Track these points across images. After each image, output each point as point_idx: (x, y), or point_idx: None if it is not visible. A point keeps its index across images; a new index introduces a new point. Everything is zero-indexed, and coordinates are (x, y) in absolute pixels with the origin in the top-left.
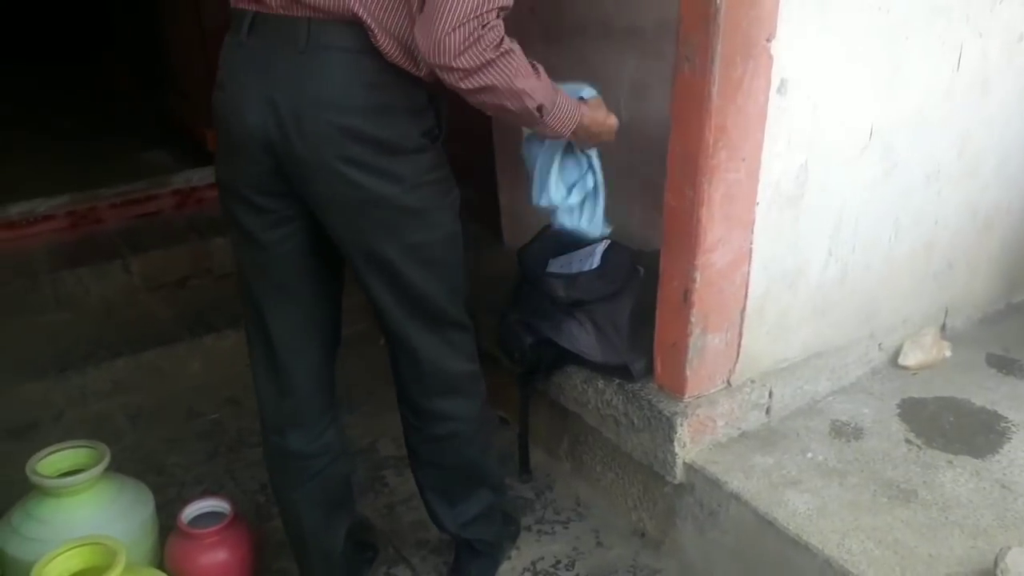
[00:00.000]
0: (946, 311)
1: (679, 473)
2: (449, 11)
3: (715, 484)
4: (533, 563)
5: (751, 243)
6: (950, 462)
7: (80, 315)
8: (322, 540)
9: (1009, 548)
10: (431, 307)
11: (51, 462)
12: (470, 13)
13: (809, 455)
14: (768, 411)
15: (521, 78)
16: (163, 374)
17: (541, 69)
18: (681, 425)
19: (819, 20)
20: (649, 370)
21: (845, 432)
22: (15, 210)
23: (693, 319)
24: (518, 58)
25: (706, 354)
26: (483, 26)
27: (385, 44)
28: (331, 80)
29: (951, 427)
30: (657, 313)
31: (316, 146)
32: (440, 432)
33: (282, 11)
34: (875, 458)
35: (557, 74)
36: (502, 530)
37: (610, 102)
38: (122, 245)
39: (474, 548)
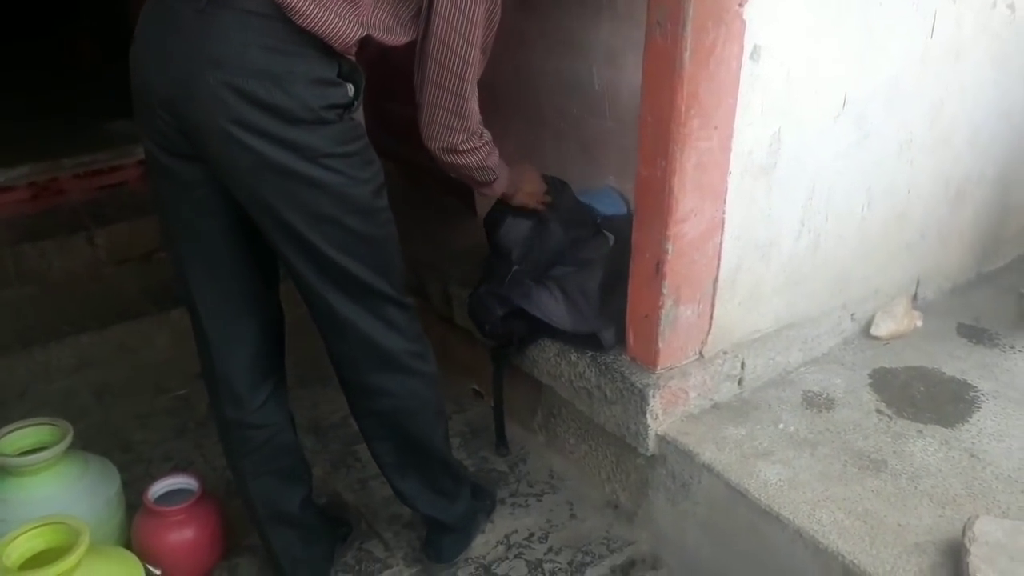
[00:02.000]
0: (918, 281)
1: (651, 445)
2: (443, 119)
3: (687, 456)
4: (507, 536)
5: (723, 213)
6: (920, 431)
7: (43, 290)
8: (275, 510)
9: (977, 517)
10: (357, 282)
11: (12, 440)
12: (462, 126)
13: (781, 426)
14: (740, 382)
15: (491, 158)
16: (129, 349)
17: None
18: (653, 397)
19: None
20: (620, 339)
21: (817, 403)
22: None
23: (665, 290)
24: (491, 144)
25: (678, 326)
26: (469, 129)
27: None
28: (226, 40)
29: (921, 397)
30: (629, 284)
31: (209, 107)
32: (378, 407)
33: None
34: (846, 428)
35: (530, 40)
36: (474, 505)
37: (583, 70)
38: (86, 217)
39: (442, 523)
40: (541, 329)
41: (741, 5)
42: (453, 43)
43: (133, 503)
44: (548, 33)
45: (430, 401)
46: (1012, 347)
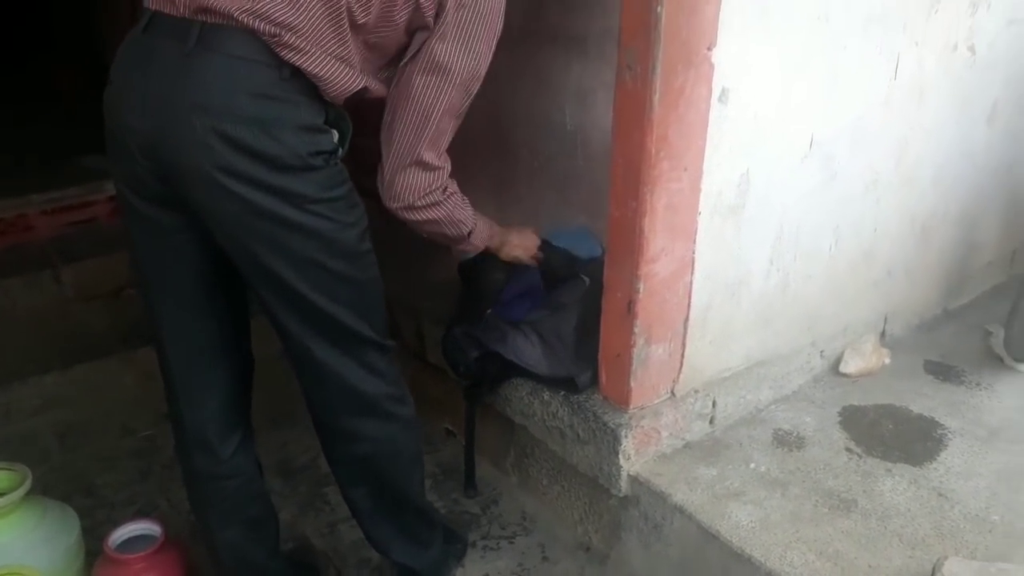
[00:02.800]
0: (885, 318)
1: (624, 486)
2: (404, 176)
3: (659, 497)
4: None
5: (693, 253)
6: (889, 470)
7: (8, 328)
8: (242, 559)
9: (946, 557)
10: (338, 326)
11: None
12: (426, 188)
13: (752, 465)
14: (712, 421)
15: (459, 210)
16: (95, 389)
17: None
18: (626, 437)
19: (760, 29)
20: (594, 381)
21: (787, 441)
22: None
23: (637, 329)
24: (457, 196)
25: (650, 365)
26: (434, 187)
27: (313, 57)
28: (214, 85)
29: (890, 435)
30: (601, 323)
31: (193, 152)
32: (354, 452)
33: (186, 13)
34: (816, 467)
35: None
36: (445, 550)
37: (555, 110)
38: (53, 254)
39: (413, 569)
40: (515, 370)
41: (710, 48)
42: (428, 102)
43: (94, 550)
44: (521, 73)
45: (408, 446)
46: (978, 384)
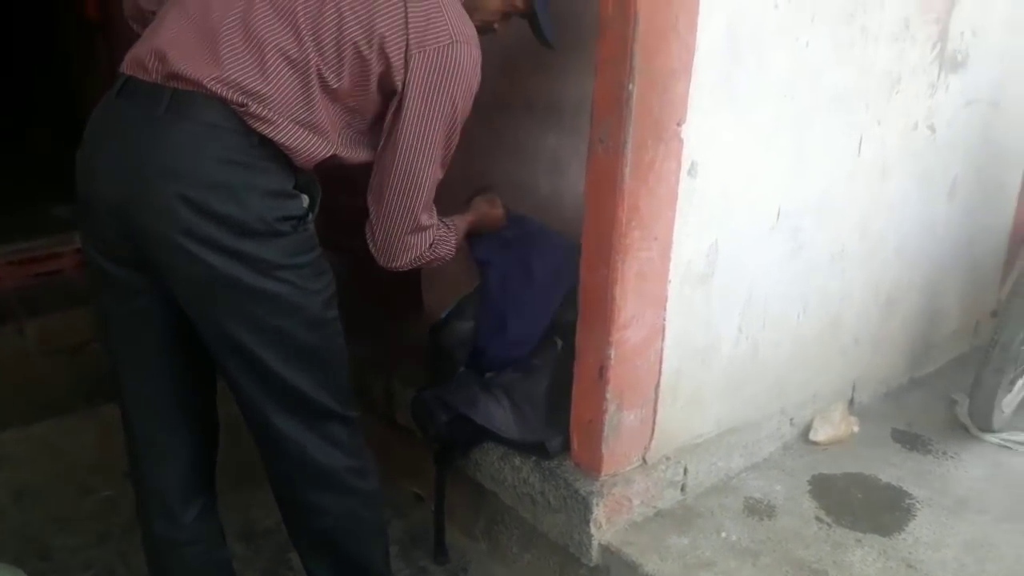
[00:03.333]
0: (853, 386)
1: (595, 555)
2: (396, 236)
3: (631, 567)
4: None
5: (664, 320)
6: (859, 541)
7: None
8: None
9: None
10: (299, 397)
11: None
12: (421, 250)
13: (723, 534)
14: (683, 489)
15: (444, 247)
16: (54, 447)
17: (449, 222)
18: (597, 505)
19: (728, 106)
20: (566, 446)
21: (758, 510)
22: None
23: (608, 396)
24: (441, 237)
25: (622, 431)
26: (425, 247)
27: (280, 127)
28: (183, 151)
29: (859, 504)
30: (573, 389)
31: (159, 217)
32: (314, 526)
33: (158, 79)
34: (787, 537)
35: (480, 145)
36: None
37: (529, 176)
38: (18, 306)
39: None
40: (486, 433)
41: (679, 124)
42: (414, 161)
43: None
44: (498, 140)
45: (370, 520)
46: (944, 453)
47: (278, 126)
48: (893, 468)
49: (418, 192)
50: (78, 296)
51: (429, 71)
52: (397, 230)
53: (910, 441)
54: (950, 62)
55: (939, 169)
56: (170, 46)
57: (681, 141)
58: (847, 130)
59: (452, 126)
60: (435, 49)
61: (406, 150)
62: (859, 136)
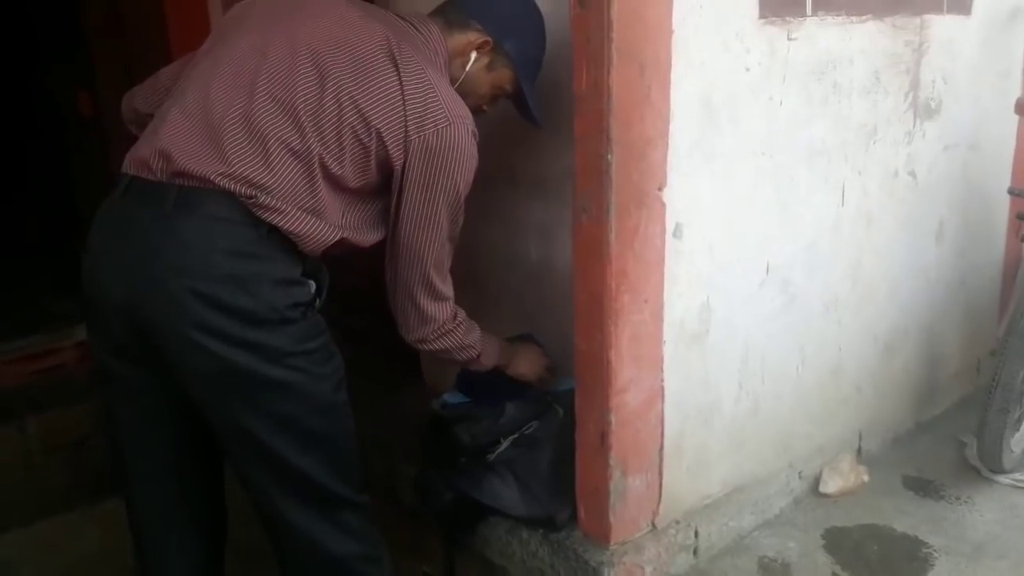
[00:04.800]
0: (859, 435)
1: None
2: (414, 314)
3: None
4: None
5: (662, 381)
6: None
7: None
8: None
9: None
10: (311, 485)
11: None
12: (439, 321)
13: None
14: (695, 552)
15: (468, 336)
16: (57, 547)
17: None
18: (609, 575)
19: (707, 167)
20: (574, 517)
21: (773, 569)
22: None
23: (612, 462)
24: (465, 322)
25: (628, 497)
26: (444, 318)
27: (289, 215)
28: (191, 245)
29: (875, 557)
30: (576, 457)
31: (170, 312)
32: None
33: (163, 178)
34: None
35: (470, 216)
36: None
37: (520, 245)
38: (19, 404)
39: None
40: (492, 509)
41: (660, 189)
42: (421, 241)
43: None
44: (485, 212)
45: None
46: (958, 498)
47: (287, 215)
48: (907, 517)
49: (426, 266)
50: (78, 391)
51: (428, 154)
52: (409, 299)
53: (922, 487)
54: (924, 109)
55: (924, 214)
56: (174, 145)
57: (663, 204)
58: (828, 182)
59: (456, 203)
60: (433, 132)
61: (412, 231)
62: (841, 187)
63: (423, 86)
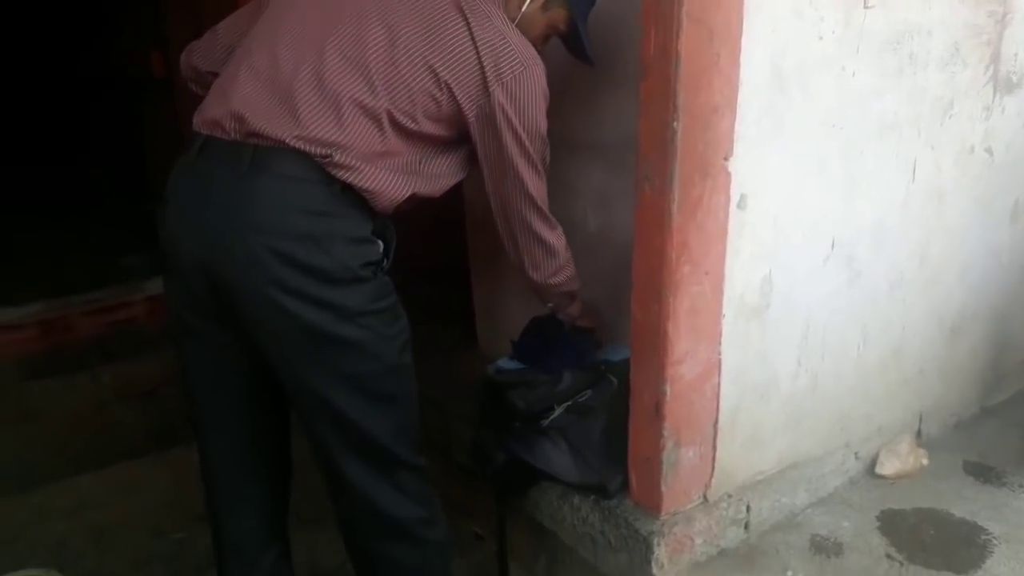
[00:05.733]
0: (920, 417)
1: None
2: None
3: None
4: None
5: (719, 355)
6: None
7: (46, 428)
8: None
9: None
10: (373, 445)
11: None
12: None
13: (789, 573)
14: (746, 526)
15: (571, 270)
16: (129, 490)
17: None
18: (658, 545)
19: (775, 138)
20: (625, 486)
21: (825, 547)
22: None
23: (665, 432)
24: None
25: (680, 468)
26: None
27: (363, 172)
28: (267, 204)
29: (932, 540)
30: (629, 427)
31: (248, 270)
32: (383, 574)
33: (237, 137)
34: None
35: None
36: None
37: (577, 212)
38: (92, 354)
39: None
40: (545, 474)
41: (726, 159)
42: (523, 182)
43: None
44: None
45: (438, 570)
46: (1020, 486)
47: (361, 172)
48: (966, 502)
49: (534, 200)
50: (149, 343)
51: (510, 99)
52: (535, 234)
53: (983, 473)
54: (1005, 83)
55: (1000, 192)
56: (246, 107)
57: (729, 175)
58: (899, 157)
59: (542, 138)
60: (511, 78)
61: (514, 174)
62: (912, 162)
63: (494, 34)
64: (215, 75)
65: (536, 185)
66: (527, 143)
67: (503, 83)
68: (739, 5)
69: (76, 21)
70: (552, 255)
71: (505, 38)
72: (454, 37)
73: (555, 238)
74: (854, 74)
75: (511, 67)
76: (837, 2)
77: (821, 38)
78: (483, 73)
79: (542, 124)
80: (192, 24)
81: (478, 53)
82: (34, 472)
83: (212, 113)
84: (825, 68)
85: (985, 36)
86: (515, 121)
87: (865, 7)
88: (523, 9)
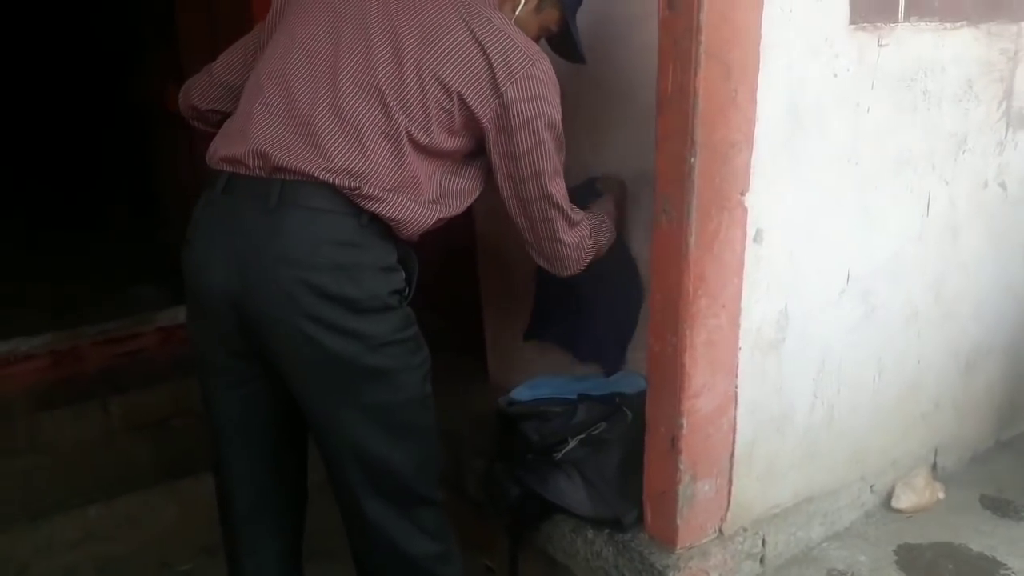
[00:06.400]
0: (936, 451)
1: None
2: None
3: None
4: None
5: (736, 388)
6: None
7: (55, 459)
8: None
9: None
10: (395, 483)
11: None
12: (586, 247)
13: None
14: (762, 560)
15: (604, 237)
16: (136, 522)
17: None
18: None
19: (791, 173)
20: (640, 519)
21: None
22: None
23: (682, 466)
24: (596, 227)
25: (696, 502)
26: (585, 240)
27: (390, 203)
28: (298, 237)
29: (950, 575)
30: (645, 460)
31: (280, 303)
32: None
33: (262, 174)
34: None
35: None
36: None
37: None
38: (102, 385)
39: None
40: (558, 507)
41: (743, 194)
42: (543, 183)
43: None
44: None
45: None
46: None
47: (388, 202)
48: (984, 537)
49: (556, 200)
50: (159, 374)
51: (524, 96)
52: (560, 240)
53: (1000, 507)
54: (1018, 119)
55: (1014, 227)
56: (268, 143)
57: (745, 209)
58: (914, 191)
59: (558, 132)
60: (523, 75)
61: (531, 175)
62: (926, 197)
63: (498, 34)
64: (216, 112)
65: (557, 185)
66: (545, 139)
67: (515, 80)
68: (756, 42)
69: (99, 54)
70: (577, 250)
71: (509, 36)
72: (459, 44)
73: (578, 238)
74: (869, 110)
75: (520, 64)
76: (852, 40)
77: (836, 75)
78: (493, 74)
79: (556, 115)
80: (207, 60)
81: (486, 55)
82: (42, 502)
83: (231, 151)
84: (840, 104)
85: (998, 73)
86: (531, 117)
87: (879, 45)
88: (517, 12)
